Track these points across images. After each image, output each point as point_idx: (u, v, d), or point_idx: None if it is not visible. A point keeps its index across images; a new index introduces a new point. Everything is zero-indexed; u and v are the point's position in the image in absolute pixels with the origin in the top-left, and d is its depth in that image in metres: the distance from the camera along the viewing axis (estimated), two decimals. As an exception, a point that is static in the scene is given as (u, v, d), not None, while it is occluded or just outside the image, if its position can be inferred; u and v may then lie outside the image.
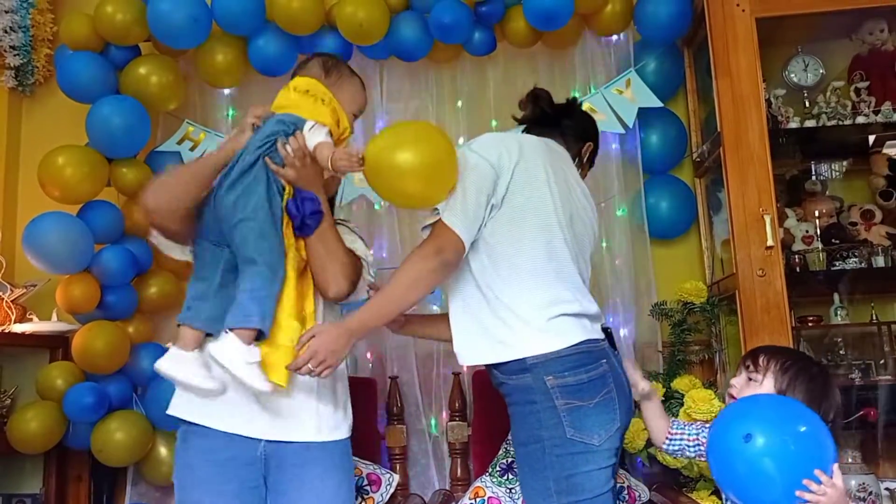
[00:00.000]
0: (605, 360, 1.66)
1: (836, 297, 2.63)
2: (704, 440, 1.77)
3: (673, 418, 1.84)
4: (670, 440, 1.83)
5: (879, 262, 2.53)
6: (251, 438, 1.69)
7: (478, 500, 2.40)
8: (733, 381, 1.72)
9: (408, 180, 1.59)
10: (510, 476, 2.41)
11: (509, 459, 2.43)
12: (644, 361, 2.82)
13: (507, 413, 1.73)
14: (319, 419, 1.75)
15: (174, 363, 1.67)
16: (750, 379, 1.67)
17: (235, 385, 1.66)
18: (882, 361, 2.59)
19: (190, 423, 1.71)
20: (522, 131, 1.95)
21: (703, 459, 1.81)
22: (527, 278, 1.65)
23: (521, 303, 1.65)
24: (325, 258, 1.75)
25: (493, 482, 2.43)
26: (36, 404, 2.59)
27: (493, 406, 2.44)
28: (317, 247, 1.75)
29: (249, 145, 1.72)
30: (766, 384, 1.64)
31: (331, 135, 1.74)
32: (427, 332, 2.09)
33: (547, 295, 1.65)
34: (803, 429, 1.49)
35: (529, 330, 1.64)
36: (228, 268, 1.71)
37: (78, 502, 2.81)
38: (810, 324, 2.60)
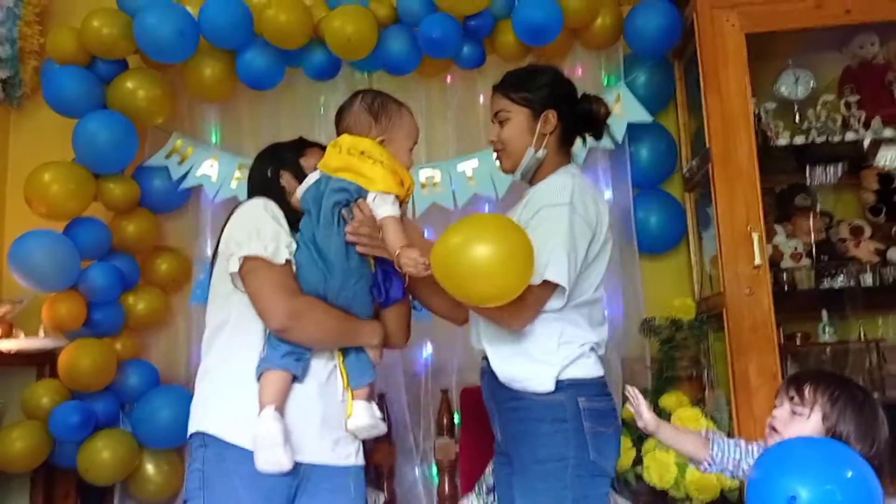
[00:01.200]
0: (612, 395, 1.75)
1: (824, 314, 2.63)
2: (747, 467, 1.68)
3: (714, 437, 1.68)
4: (711, 465, 1.68)
5: (867, 280, 2.53)
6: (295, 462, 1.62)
7: (464, 518, 2.40)
8: (776, 413, 1.56)
9: (480, 284, 1.50)
10: (495, 495, 2.40)
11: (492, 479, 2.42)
12: (633, 377, 2.81)
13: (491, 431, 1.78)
14: (349, 444, 1.73)
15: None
16: (794, 412, 1.52)
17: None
18: (869, 379, 2.58)
19: (229, 444, 1.61)
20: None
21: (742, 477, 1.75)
22: (578, 313, 1.73)
23: (568, 330, 1.71)
24: (394, 323, 1.81)
25: (478, 500, 2.43)
26: (21, 424, 2.60)
27: (480, 424, 2.44)
28: (390, 314, 1.80)
29: (306, 225, 1.69)
30: (814, 419, 1.49)
31: (397, 199, 1.67)
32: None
33: (586, 332, 1.73)
34: (850, 474, 1.43)
35: (570, 353, 1.69)
36: None
37: (65, 519, 2.81)
38: (798, 342, 2.60)
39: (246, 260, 1.62)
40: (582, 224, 1.69)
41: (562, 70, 1.94)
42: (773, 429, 1.55)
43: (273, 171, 1.83)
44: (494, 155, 1.88)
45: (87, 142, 2.70)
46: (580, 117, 1.86)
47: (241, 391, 1.63)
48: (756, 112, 2.67)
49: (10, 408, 2.73)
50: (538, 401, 1.69)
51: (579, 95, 1.88)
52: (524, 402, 1.70)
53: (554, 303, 1.69)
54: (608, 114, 1.88)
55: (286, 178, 1.82)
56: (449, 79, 2.98)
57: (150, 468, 2.69)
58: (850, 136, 2.59)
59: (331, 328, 1.65)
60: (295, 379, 1.65)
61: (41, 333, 2.79)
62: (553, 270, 1.64)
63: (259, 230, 1.65)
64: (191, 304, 2.90)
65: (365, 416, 1.71)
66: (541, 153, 1.81)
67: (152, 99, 2.81)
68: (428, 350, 2.89)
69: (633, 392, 1.70)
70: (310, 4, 2.78)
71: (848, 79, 2.79)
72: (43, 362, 2.78)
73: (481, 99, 2.96)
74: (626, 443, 2.52)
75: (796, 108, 2.79)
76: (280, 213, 1.72)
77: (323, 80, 2.88)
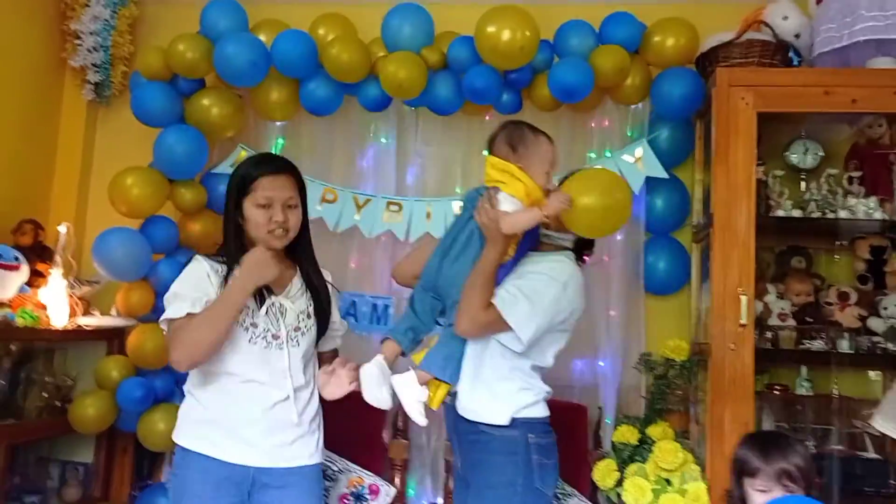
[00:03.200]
0: (553, 433, 2.14)
1: (803, 369, 2.90)
2: None
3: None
4: None
5: (844, 346, 2.78)
6: (244, 465, 2.04)
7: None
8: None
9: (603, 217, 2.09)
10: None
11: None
12: (628, 404, 3.13)
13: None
14: (302, 447, 2.13)
15: (406, 386, 2.15)
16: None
17: (238, 423, 2.04)
18: (839, 432, 2.86)
19: (191, 450, 2.05)
20: None
21: None
22: (539, 373, 2.17)
23: (529, 381, 2.13)
24: None
25: None
26: (93, 392, 3.03)
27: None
28: None
29: (460, 220, 2.18)
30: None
31: (522, 202, 2.07)
32: None
33: (542, 385, 2.17)
34: None
35: (527, 397, 2.11)
36: (434, 314, 2.23)
37: (123, 472, 3.25)
38: (776, 392, 2.88)
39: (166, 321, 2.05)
40: (565, 304, 2.10)
41: None
42: None
43: (237, 200, 2.12)
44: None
45: (165, 151, 3.06)
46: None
47: (196, 410, 2.08)
48: (764, 178, 2.92)
49: (85, 377, 3.17)
50: (495, 435, 2.09)
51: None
52: (483, 435, 2.11)
53: (511, 343, 2.08)
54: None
55: (249, 207, 2.10)
56: (488, 118, 3.27)
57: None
58: (844, 213, 2.82)
59: (198, 335, 1.98)
60: (403, 354, 2.21)
61: (113, 312, 3.20)
62: (523, 328, 2.05)
63: (177, 294, 2.04)
64: (243, 298, 3.28)
65: (410, 386, 2.16)
66: (567, 241, 2.22)
67: (224, 115, 3.17)
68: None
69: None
70: (369, 43, 3.10)
71: (854, 155, 3.01)
72: (113, 338, 3.22)
73: (517, 140, 3.25)
74: (611, 465, 2.84)
75: (803, 176, 3.03)
76: (206, 271, 2.08)
77: (375, 111, 3.21)
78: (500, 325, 2.06)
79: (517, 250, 2.18)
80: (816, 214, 2.85)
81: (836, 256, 3.11)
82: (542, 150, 2.15)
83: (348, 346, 3.22)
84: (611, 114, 3.21)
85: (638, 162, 3.07)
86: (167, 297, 2.07)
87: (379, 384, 2.14)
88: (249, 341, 2.08)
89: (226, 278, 2.07)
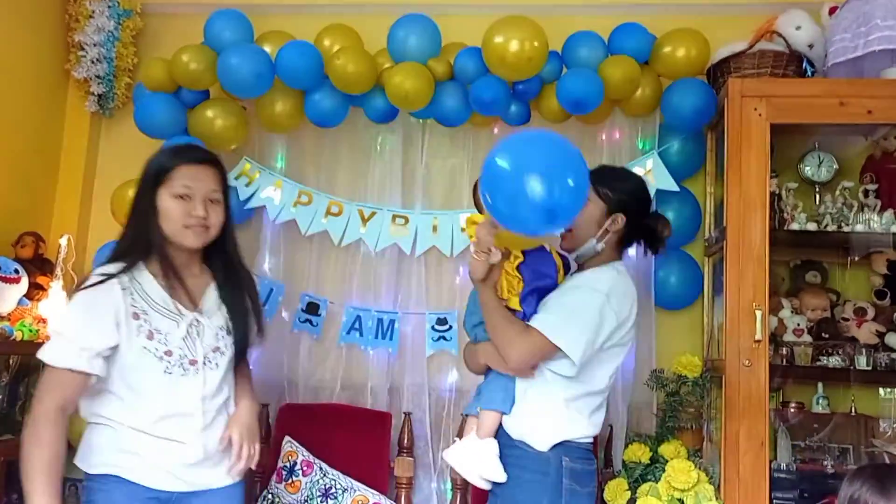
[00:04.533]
0: (594, 460, 2.06)
1: (819, 386, 2.83)
2: None
3: None
4: None
5: (861, 363, 2.71)
6: (168, 490, 1.91)
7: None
8: None
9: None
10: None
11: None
12: (639, 421, 3.06)
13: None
14: (225, 468, 2.00)
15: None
16: None
17: (157, 456, 1.89)
18: (857, 449, 2.79)
19: (111, 475, 1.87)
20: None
21: None
22: (588, 398, 2.07)
23: (574, 408, 2.05)
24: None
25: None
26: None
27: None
28: None
29: None
30: None
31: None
32: None
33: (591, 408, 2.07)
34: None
35: (573, 427, 2.04)
36: None
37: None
38: (792, 409, 2.81)
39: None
40: (611, 315, 2.00)
41: (644, 182, 2.26)
42: None
43: (151, 190, 1.93)
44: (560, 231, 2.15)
45: (168, 163, 3.03)
46: (644, 229, 2.18)
47: (112, 440, 1.89)
48: (777, 191, 2.87)
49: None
50: (530, 452, 2.01)
51: (651, 209, 2.21)
52: (517, 450, 2.03)
53: (563, 369, 1.99)
54: (670, 235, 2.21)
55: (164, 198, 1.92)
56: (496, 130, 3.22)
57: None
58: (859, 227, 2.76)
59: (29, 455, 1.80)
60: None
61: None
62: (567, 342, 1.96)
63: (61, 334, 1.84)
64: (246, 312, 3.23)
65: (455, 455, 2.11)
66: (600, 246, 2.12)
67: (228, 127, 3.13)
68: (454, 376, 3.17)
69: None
70: (374, 54, 3.07)
71: (869, 167, 2.96)
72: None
73: (524, 152, 3.20)
74: (622, 484, 2.77)
75: (817, 189, 2.98)
76: (115, 299, 1.85)
77: (381, 123, 3.16)
78: (546, 347, 1.98)
79: (527, 275, 2.11)
80: (832, 228, 2.78)
81: (851, 271, 3.03)
82: None
83: (353, 364, 3.21)
84: (620, 126, 3.15)
85: (648, 174, 3.01)
86: (56, 327, 1.87)
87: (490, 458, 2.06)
88: (165, 372, 1.90)
89: (135, 294, 1.87)
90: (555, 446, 2.01)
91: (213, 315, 2.00)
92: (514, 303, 2.10)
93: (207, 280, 2.05)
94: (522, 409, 2.07)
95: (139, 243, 1.92)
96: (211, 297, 2.03)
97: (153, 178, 1.92)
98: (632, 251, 3.03)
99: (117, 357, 1.87)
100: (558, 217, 1.81)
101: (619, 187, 2.13)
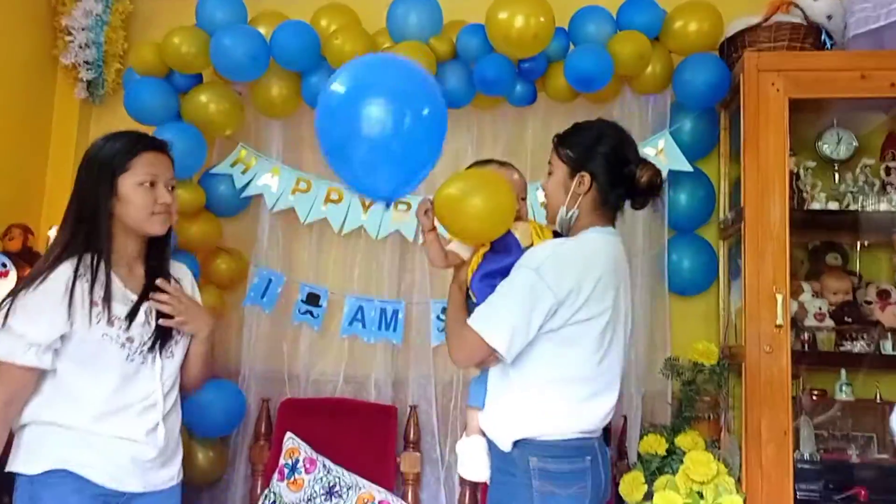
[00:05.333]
0: (589, 457, 1.83)
1: (842, 372, 2.71)
2: None
3: None
4: None
5: (888, 347, 2.60)
6: (116, 490, 1.84)
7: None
8: None
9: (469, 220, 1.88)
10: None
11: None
12: (654, 412, 2.95)
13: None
14: (171, 468, 1.96)
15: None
16: None
17: (109, 450, 1.82)
18: (882, 438, 2.68)
19: (59, 469, 1.78)
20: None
21: None
22: (558, 379, 1.86)
23: (531, 395, 1.85)
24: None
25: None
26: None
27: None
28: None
29: None
30: None
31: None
32: None
33: (570, 392, 1.85)
34: None
35: (532, 417, 1.84)
36: None
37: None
38: (814, 397, 2.69)
39: None
40: (545, 293, 1.77)
41: (613, 126, 2.01)
42: None
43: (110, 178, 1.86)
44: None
45: (160, 150, 2.91)
46: (622, 181, 1.93)
47: (56, 435, 1.81)
48: (795, 170, 2.75)
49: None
50: (499, 452, 1.90)
51: (625, 157, 1.93)
52: (493, 448, 1.93)
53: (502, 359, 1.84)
54: (654, 182, 1.93)
55: (127, 186, 1.87)
56: (501, 110, 3.10)
57: (199, 456, 2.93)
58: (884, 205, 2.64)
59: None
60: None
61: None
62: (491, 333, 1.80)
63: (11, 329, 1.77)
64: (244, 305, 3.12)
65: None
66: (572, 213, 1.93)
67: (222, 112, 3.00)
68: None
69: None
70: (374, 34, 2.94)
71: (891, 144, 2.83)
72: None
73: (530, 134, 3.09)
74: (638, 478, 2.66)
75: (836, 167, 2.86)
76: (66, 286, 1.79)
77: (382, 105, 3.04)
78: (478, 343, 1.80)
79: (490, 262, 1.96)
80: (854, 207, 2.66)
81: (873, 252, 2.92)
82: (512, 181, 2.06)
83: (356, 356, 3.09)
84: (630, 104, 3.03)
85: (660, 155, 2.90)
86: (4, 321, 1.79)
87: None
88: (127, 359, 1.85)
89: (93, 282, 1.81)
90: (517, 444, 1.84)
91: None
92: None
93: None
94: (488, 404, 1.94)
95: (93, 232, 1.86)
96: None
97: (110, 165, 1.87)
98: (643, 236, 3.00)
99: (72, 347, 1.82)
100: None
101: (576, 143, 1.94)
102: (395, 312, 3.02)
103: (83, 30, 3.22)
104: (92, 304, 1.82)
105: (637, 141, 2.92)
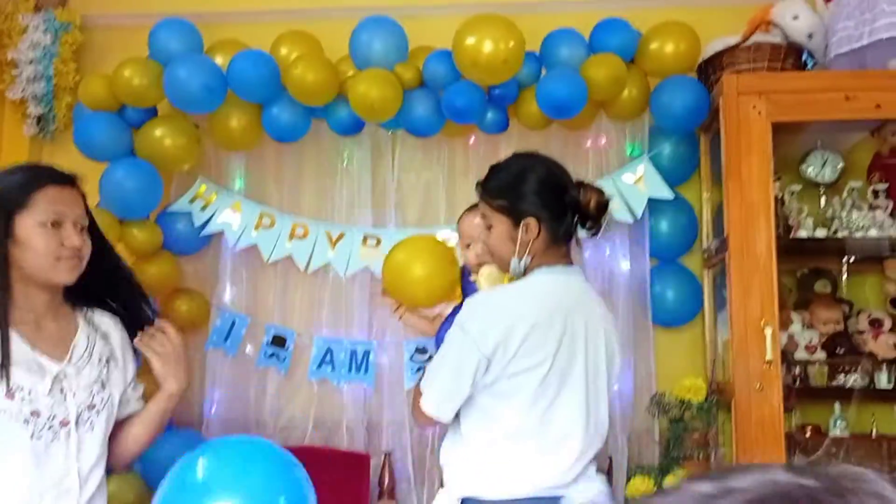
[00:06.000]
0: None
1: (836, 406, 2.59)
2: None
3: None
4: None
5: (882, 380, 2.48)
6: None
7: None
8: None
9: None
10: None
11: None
12: (640, 452, 2.82)
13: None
14: None
15: None
16: None
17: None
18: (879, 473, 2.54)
19: None
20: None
21: None
22: (500, 436, 1.71)
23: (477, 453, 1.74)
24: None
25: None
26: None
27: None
28: None
29: None
30: None
31: None
32: None
33: (513, 449, 1.71)
34: None
35: (476, 476, 1.74)
36: None
37: None
38: (808, 434, 2.57)
39: None
40: (471, 350, 1.67)
41: (534, 157, 1.88)
42: None
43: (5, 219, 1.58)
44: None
45: (113, 189, 2.75)
46: (567, 210, 1.79)
47: None
48: (780, 195, 2.64)
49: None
50: None
51: (573, 181, 1.81)
52: None
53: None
54: (601, 203, 1.80)
55: (27, 227, 1.58)
56: (472, 140, 2.97)
57: (157, 513, 2.74)
58: (873, 231, 2.53)
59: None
60: None
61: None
62: (427, 395, 1.74)
63: None
64: (206, 348, 2.95)
65: None
66: (525, 261, 1.78)
67: (179, 146, 2.86)
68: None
69: None
70: (336, 62, 2.81)
71: (877, 165, 2.73)
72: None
73: (503, 162, 2.95)
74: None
75: (822, 190, 2.75)
76: None
77: (347, 135, 2.90)
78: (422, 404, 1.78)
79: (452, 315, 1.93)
80: (843, 234, 2.54)
81: (864, 278, 2.80)
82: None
83: (326, 401, 2.93)
84: (607, 130, 2.91)
85: (639, 182, 2.78)
86: None
87: None
88: (33, 437, 1.54)
89: None
90: (465, 503, 1.73)
91: (85, 367, 1.67)
92: None
93: (75, 323, 1.71)
94: (441, 459, 1.86)
95: None
96: (80, 343, 1.69)
97: (4, 202, 1.58)
98: (625, 265, 2.88)
99: None
100: None
101: (504, 189, 1.78)
102: (367, 353, 2.87)
103: (30, 62, 3.05)
104: None
105: (616, 167, 2.84)
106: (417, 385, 1.83)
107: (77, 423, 1.61)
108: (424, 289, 2.00)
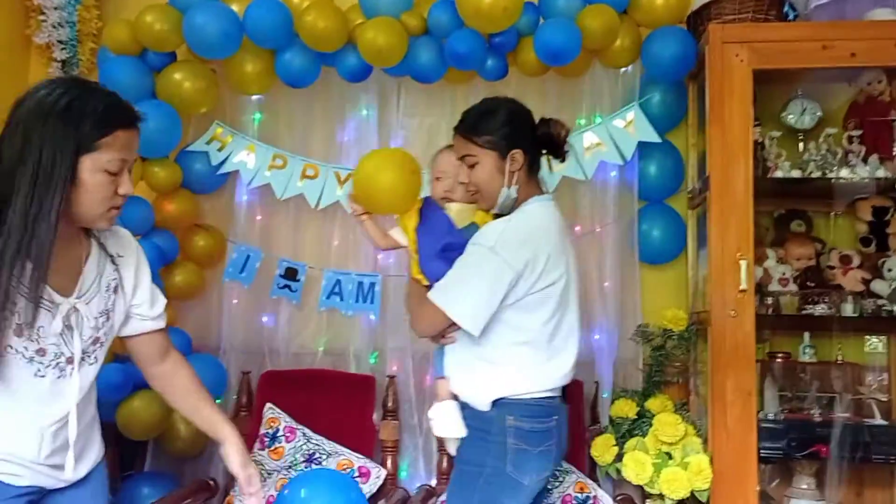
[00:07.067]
0: (555, 417, 1.97)
1: (805, 336, 2.80)
2: None
3: None
4: None
5: (848, 310, 2.68)
6: (30, 485, 1.60)
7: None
8: None
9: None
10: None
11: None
12: (626, 377, 3.03)
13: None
14: (89, 455, 1.74)
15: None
16: None
17: (18, 457, 1.58)
18: (844, 399, 2.77)
19: None
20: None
21: None
22: (522, 342, 1.99)
23: (506, 357, 1.99)
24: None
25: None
26: (69, 381, 2.88)
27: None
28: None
29: None
30: None
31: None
32: None
33: (533, 354, 1.99)
34: None
35: (508, 377, 1.98)
36: None
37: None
38: (779, 360, 2.78)
39: None
40: (504, 269, 1.91)
41: (510, 100, 2.16)
42: None
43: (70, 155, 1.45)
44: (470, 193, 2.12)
45: (136, 129, 2.94)
46: (541, 143, 2.09)
47: None
48: (760, 140, 2.81)
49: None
50: (476, 412, 2.00)
51: (578, 121, 2.12)
52: (467, 410, 2.04)
53: (469, 333, 1.97)
54: (567, 133, 2.10)
55: (89, 171, 1.48)
56: (473, 85, 3.13)
57: (181, 428, 2.98)
58: (845, 172, 2.71)
59: None
60: None
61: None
62: (457, 310, 1.94)
63: None
64: (224, 280, 3.16)
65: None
66: (514, 191, 2.05)
67: (197, 90, 3.02)
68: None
69: None
70: (346, 10, 2.97)
71: (853, 113, 2.90)
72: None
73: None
74: (610, 440, 2.75)
75: (801, 137, 2.93)
76: None
77: (355, 82, 3.07)
78: (441, 318, 1.97)
79: (421, 241, 2.13)
80: (816, 175, 2.73)
81: (836, 219, 2.99)
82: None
83: (335, 329, 3.15)
84: (600, 78, 3.08)
85: (629, 127, 2.96)
86: None
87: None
88: (36, 375, 1.54)
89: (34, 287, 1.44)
90: (495, 404, 1.97)
91: (94, 298, 1.61)
92: (416, 272, 2.12)
93: (86, 248, 1.63)
94: (453, 370, 2.08)
95: (44, 231, 1.44)
96: (89, 274, 1.62)
97: (73, 139, 1.45)
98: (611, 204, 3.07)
99: None
100: None
101: (496, 126, 2.05)
102: (372, 285, 3.08)
103: (56, 9, 3.22)
104: None
105: (606, 114, 3.02)
106: (419, 300, 2.05)
107: (82, 359, 1.61)
108: (388, 197, 2.11)
